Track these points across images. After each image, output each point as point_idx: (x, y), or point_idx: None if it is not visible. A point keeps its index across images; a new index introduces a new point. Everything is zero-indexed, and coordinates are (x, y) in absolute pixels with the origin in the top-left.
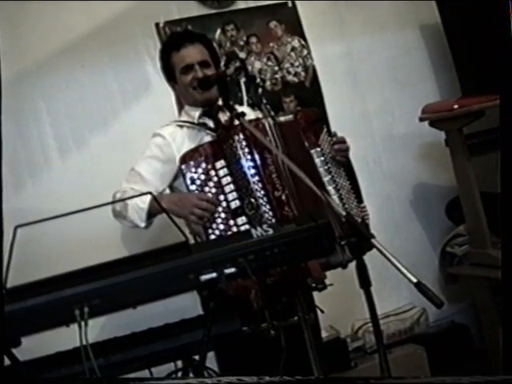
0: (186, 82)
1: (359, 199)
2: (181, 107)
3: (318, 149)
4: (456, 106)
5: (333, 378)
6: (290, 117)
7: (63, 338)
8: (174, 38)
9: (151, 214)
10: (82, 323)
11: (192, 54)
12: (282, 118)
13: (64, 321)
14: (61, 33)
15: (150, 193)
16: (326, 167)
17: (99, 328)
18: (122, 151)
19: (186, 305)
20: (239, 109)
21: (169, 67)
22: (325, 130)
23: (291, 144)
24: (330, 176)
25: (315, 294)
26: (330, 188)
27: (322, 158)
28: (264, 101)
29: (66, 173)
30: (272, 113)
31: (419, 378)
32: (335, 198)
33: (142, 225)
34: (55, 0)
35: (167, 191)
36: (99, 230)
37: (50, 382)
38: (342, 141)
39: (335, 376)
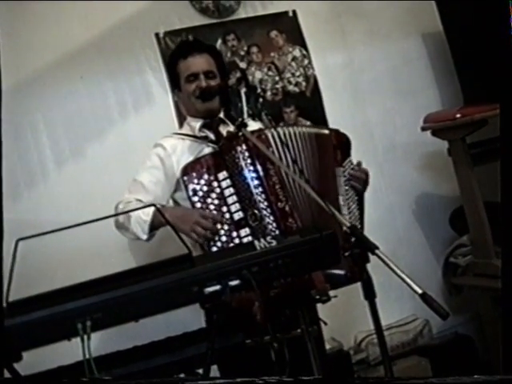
0: (189, 91)
1: (362, 230)
2: (181, 119)
3: (342, 169)
4: (458, 115)
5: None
6: (326, 131)
7: (64, 352)
8: (182, 46)
9: (154, 227)
10: (85, 337)
11: (198, 63)
12: (320, 130)
13: (66, 334)
14: (60, 44)
15: (153, 205)
16: (345, 189)
17: (101, 342)
18: (120, 163)
19: (188, 318)
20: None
21: (174, 75)
22: (350, 157)
23: (322, 156)
24: (345, 198)
25: (318, 305)
26: (342, 208)
27: (342, 178)
28: (265, 111)
29: (64, 184)
30: (273, 123)
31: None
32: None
33: (144, 237)
34: (54, 11)
35: (170, 202)
36: (101, 242)
37: None
38: (365, 172)
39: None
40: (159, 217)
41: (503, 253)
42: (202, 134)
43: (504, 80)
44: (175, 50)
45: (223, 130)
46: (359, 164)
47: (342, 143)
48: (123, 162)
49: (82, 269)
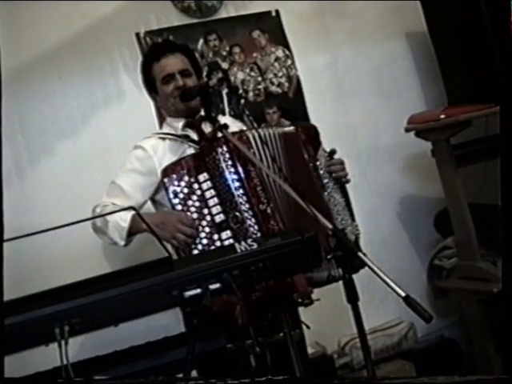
0: (167, 92)
1: (352, 218)
2: (161, 120)
3: (317, 163)
4: (443, 116)
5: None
6: (292, 128)
7: (43, 358)
8: (154, 48)
9: (131, 233)
10: (63, 342)
11: (172, 63)
12: (285, 129)
13: (44, 340)
14: (36, 44)
15: (132, 208)
16: (325, 181)
17: (80, 347)
18: (95, 162)
19: (169, 322)
20: (221, 119)
21: (150, 78)
22: (321, 146)
23: (293, 155)
24: (327, 191)
25: (300, 309)
26: (328, 203)
27: (321, 172)
28: (246, 112)
29: (39, 185)
30: (255, 124)
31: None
32: (332, 213)
33: (122, 243)
34: (31, 11)
35: (149, 203)
36: (78, 246)
37: None
38: (340, 163)
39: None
40: (137, 223)
41: (503, 254)
42: (184, 133)
43: (504, 80)
44: (147, 54)
45: (206, 129)
46: (332, 152)
47: (310, 137)
48: (98, 162)
49: (59, 272)
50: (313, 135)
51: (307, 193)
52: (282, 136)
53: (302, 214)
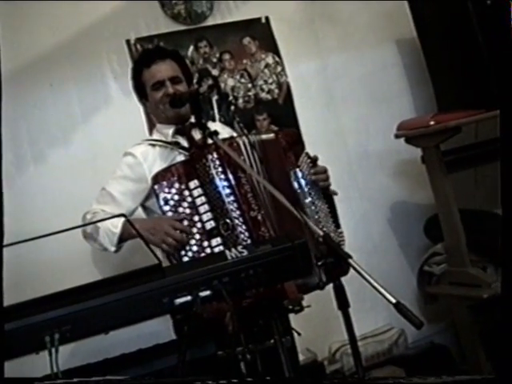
0: (156, 99)
1: (337, 224)
2: (151, 126)
3: (298, 170)
4: (432, 123)
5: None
6: (272, 135)
7: (33, 366)
8: (144, 55)
9: (122, 239)
10: (53, 350)
11: (163, 69)
12: (263, 136)
13: (34, 348)
14: (26, 49)
15: (123, 215)
16: (306, 189)
17: (70, 355)
18: (86, 169)
19: (159, 329)
20: (212, 126)
21: (140, 84)
22: (305, 152)
23: (271, 163)
24: (309, 198)
25: (291, 316)
26: (308, 210)
27: (302, 180)
28: (237, 119)
29: (28, 192)
30: (245, 131)
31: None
32: (313, 220)
33: (113, 249)
34: (21, 15)
35: (140, 210)
36: (68, 253)
37: None
38: (323, 171)
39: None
40: (128, 229)
41: (503, 257)
42: (174, 140)
43: (503, 83)
44: (138, 60)
45: (196, 135)
46: (316, 159)
47: (291, 143)
48: (89, 169)
49: (48, 280)
50: (294, 141)
51: (291, 199)
52: (260, 143)
53: (293, 221)
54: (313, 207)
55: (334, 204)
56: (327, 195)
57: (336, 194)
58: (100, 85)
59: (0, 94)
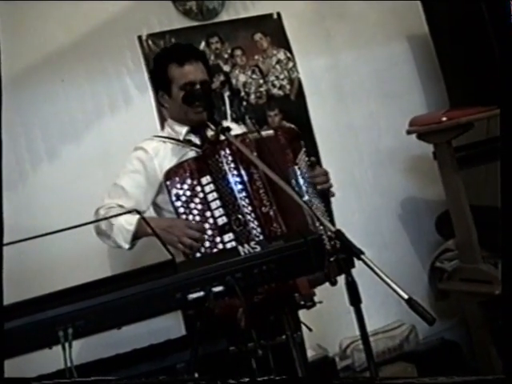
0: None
1: (332, 224)
2: (163, 121)
3: (296, 167)
4: (444, 119)
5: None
6: (271, 132)
7: (46, 361)
8: (176, 49)
9: (137, 237)
10: (66, 345)
11: (196, 71)
12: (262, 133)
13: (47, 343)
14: (39, 46)
15: (137, 211)
16: (303, 187)
17: (82, 349)
18: (99, 166)
19: (170, 324)
20: (224, 124)
21: (165, 78)
22: (303, 149)
23: (270, 160)
24: (306, 196)
25: (302, 311)
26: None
27: (300, 177)
28: (248, 115)
29: (41, 188)
30: (257, 127)
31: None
32: (309, 218)
33: (127, 246)
34: (33, 13)
35: (151, 207)
36: (81, 249)
37: None
38: (323, 173)
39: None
40: (143, 227)
41: (503, 254)
42: (188, 139)
43: (504, 81)
44: (167, 53)
45: (209, 134)
46: (313, 164)
47: (290, 139)
48: (101, 165)
49: (62, 275)
50: (292, 137)
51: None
52: (259, 140)
53: (303, 217)
54: (310, 205)
55: (330, 203)
56: (324, 194)
57: (333, 195)
58: (112, 81)
59: (0, 96)
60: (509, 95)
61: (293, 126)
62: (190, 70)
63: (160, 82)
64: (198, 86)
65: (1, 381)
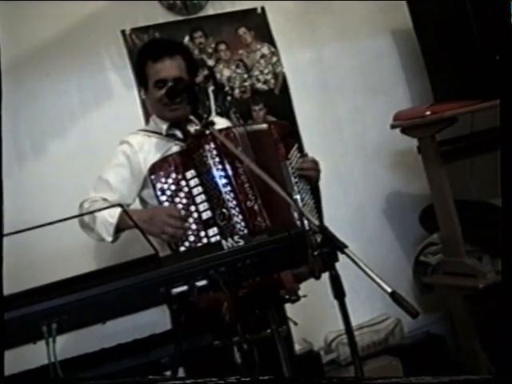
0: (157, 97)
1: (321, 220)
2: (147, 114)
3: (287, 162)
4: (428, 113)
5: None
6: (264, 126)
7: (29, 356)
8: (153, 45)
9: (119, 229)
10: (50, 340)
11: (169, 68)
12: (255, 126)
13: (31, 338)
14: (24, 41)
15: (120, 205)
16: (294, 181)
17: (67, 344)
18: (84, 160)
19: (156, 319)
20: (211, 118)
21: (143, 74)
22: (296, 145)
23: (261, 153)
24: (296, 191)
25: (287, 305)
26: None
27: (291, 172)
28: (233, 109)
29: (26, 182)
30: (241, 121)
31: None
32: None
33: (110, 239)
34: (18, 8)
35: (137, 201)
36: (65, 243)
37: None
38: (313, 160)
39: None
40: (125, 219)
41: (503, 252)
42: (170, 132)
43: (504, 76)
44: (144, 49)
45: (191, 129)
46: (307, 155)
47: (283, 135)
48: (87, 159)
49: (46, 270)
50: (286, 133)
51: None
52: (252, 133)
53: (288, 212)
54: (299, 201)
55: (320, 200)
56: (315, 190)
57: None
58: (97, 75)
59: (0, 91)
60: (509, 88)
61: (286, 122)
62: (163, 68)
63: (140, 78)
64: (170, 84)
65: (1, 380)
